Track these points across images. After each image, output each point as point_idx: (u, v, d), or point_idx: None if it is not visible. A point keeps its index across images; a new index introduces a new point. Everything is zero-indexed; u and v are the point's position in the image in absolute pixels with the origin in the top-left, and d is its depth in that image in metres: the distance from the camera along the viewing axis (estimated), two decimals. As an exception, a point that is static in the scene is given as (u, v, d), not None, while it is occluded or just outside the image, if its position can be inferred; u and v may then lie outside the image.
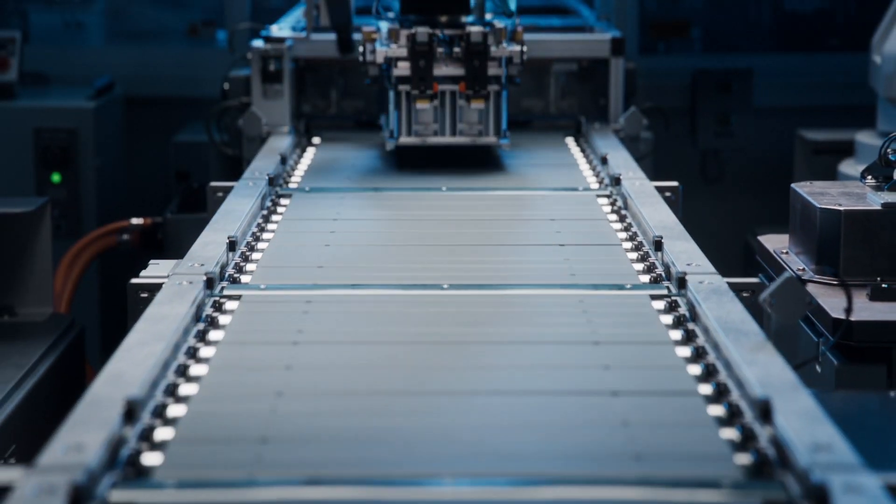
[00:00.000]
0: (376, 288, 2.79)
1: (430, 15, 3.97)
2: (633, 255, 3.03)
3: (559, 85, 4.77)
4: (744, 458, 1.92)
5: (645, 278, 2.85)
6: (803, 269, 3.25)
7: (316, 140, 4.50)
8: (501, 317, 2.63)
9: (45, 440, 1.86)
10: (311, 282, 2.83)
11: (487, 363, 2.36)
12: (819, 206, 3.21)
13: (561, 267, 2.95)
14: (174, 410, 2.08)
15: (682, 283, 2.67)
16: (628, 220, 3.32)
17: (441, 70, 3.92)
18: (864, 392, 2.76)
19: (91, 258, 4.88)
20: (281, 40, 4.48)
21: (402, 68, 3.91)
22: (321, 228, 3.30)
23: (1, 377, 3.23)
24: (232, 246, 2.97)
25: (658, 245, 2.97)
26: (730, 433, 2.00)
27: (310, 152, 4.30)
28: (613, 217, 3.40)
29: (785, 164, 6.07)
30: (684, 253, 2.87)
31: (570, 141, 4.50)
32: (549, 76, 4.76)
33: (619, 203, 3.50)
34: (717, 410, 2.09)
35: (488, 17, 4.02)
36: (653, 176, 3.74)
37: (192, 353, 2.34)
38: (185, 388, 2.18)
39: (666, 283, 2.79)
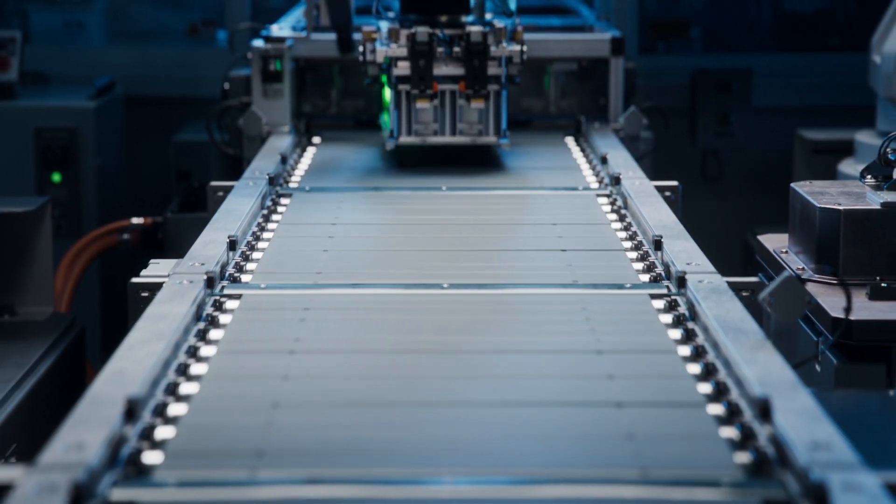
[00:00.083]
0: (376, 287, 2.79)
1: (430, 15, 3.97)
2: (633, 255, 3.03)
3: (559, 85, 4.77)
4: (743, 457, 1.92)
5: (645, 277, 2.85)
6: (803, 269, 3.26)
7: (316, 140, 4.50)
8: (501, 321, 2.62)
9: (45, 439, 1.86)
10: (311, 281, 2.84)
11: (487, 373, 2.32)
12: (819, 205, 3.21)
13: (561, 267, 2.95)
14: (174, 409, 2.08)
15: (681, 282, 2.68)
16: (628, 220, 3.33)
17: (441, 70, 3.92)
18: (863, 391, 2.77)
19: (91, 258, 4.87)
20: (281, 40, 4.48)
21: (402, 68, 3.92)
22: (321, 228, 3.30)
23: (1, 376, 3.23)
24: (232, 245, 2.97)
25: (658, 244, 2.97)
26: (729, 432, 2.00)
27: (310, 152, 4.31)
28: (613, 217, 3.40)
29: (785, 164, 6.07)
30: (684, 252, 2.87)
31: (569, 141, 4.50)
32: (549, 76, 4.76)
33: (619, 203, 3.51)
34: (716, 409, 2.09)
35: (488, 16, 4.03)
36: (652, 175, 3.74)
37: (193, 353, 2.34)
38: (186, 388, 2.18)
39: (665, 283, 2.80)
